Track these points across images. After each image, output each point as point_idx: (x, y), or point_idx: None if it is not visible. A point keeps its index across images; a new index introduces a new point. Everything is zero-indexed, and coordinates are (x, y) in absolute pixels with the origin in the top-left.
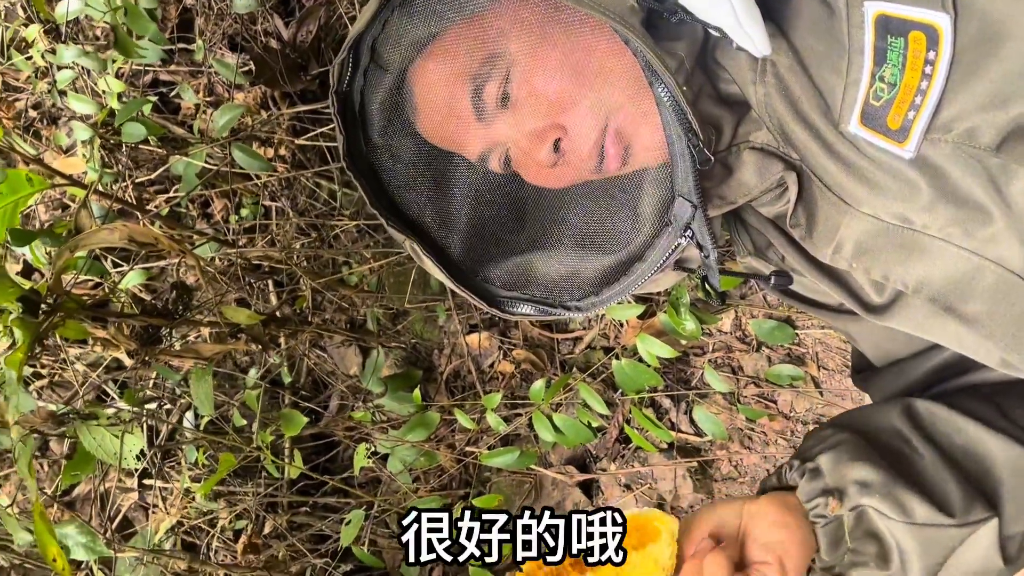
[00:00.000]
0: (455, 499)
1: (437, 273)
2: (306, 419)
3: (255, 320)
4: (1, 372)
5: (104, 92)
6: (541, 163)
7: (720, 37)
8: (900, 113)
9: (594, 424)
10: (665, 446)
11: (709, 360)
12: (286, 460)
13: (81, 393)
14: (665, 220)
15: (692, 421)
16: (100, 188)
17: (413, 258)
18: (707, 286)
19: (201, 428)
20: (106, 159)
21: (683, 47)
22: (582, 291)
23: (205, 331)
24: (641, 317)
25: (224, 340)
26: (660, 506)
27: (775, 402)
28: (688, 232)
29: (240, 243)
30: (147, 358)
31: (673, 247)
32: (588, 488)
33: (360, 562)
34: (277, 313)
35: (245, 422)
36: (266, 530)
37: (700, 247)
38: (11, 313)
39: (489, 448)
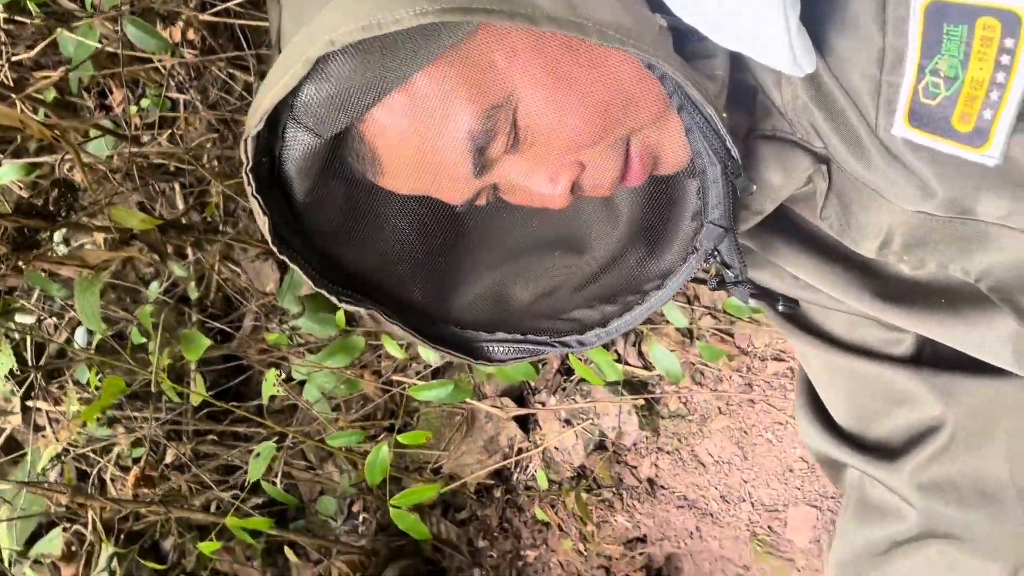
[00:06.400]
0: (379, 431)
1: (405, 336)
2: (209, 341)
3: (150, 225)
4: None
5: None
6: (552, 204)
7: None
8: (971, 112)
9: None
10: (611, 379)
11: None
12: (189, 385)
13: None
14: (690, 248)
15: (640, 354)
16: None
17: (373, 326)
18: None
19: (93, 347)
20: None
21: (720, 63)
22: (585, 324)
23: (99, 238)
24: None
25: (117, 248)
26: (602, 443)
27: (732, 335)
28: (714, 255)
29: (142, 140)
30: (20, 263)
31: (695, 272)
32: (524, 422)
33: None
34: (182, 220)
35: (145, 341)
36: (168, 459)
37: (727, 266)
38: None
39: (419, 376)
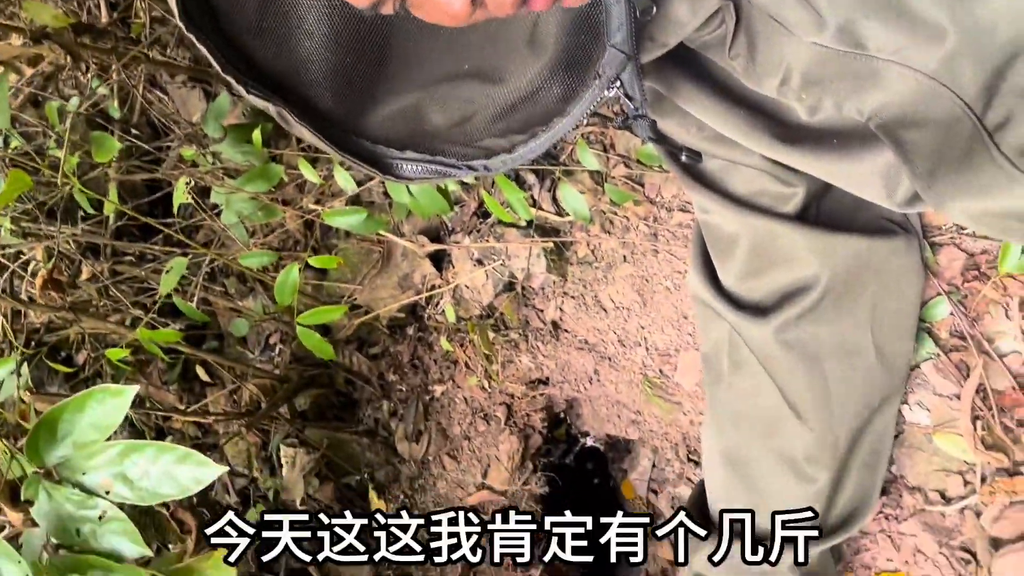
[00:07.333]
0: (297, 260)
1: (314, 140)
2: (120, 145)
3: (63, 22)
4: None
5: None
6: (456, 15)
7: None
8: None
9: (451, 188)
10: (524, 223)
11: (582, 135)
12: (107, 198)
13: None
14: (594, 73)
15: (555, 200)
16: None
17: (281, 125)
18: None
19: (8, 149)
20: None
21: None
22: (493, 151)
23: (14, 40)
24: None
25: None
26: (511, 284)
27: (642, 185)
28: (617, 83)
29: None
30: None
31: (599, 99)
32: (439, 263)
33: (193, 319)
34: (99, 27)
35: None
36: (84, 276)
37: (629, 98)
38: None
39: None
